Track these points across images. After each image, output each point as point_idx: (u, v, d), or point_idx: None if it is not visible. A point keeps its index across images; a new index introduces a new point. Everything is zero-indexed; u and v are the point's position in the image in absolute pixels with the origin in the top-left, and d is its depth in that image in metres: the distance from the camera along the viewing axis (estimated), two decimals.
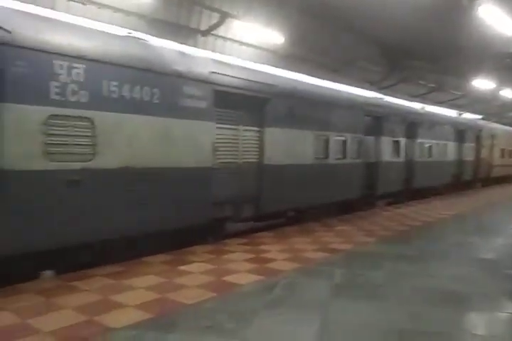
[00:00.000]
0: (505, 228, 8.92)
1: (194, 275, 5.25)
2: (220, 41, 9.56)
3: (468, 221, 10.66)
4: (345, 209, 10.99)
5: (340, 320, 4.05)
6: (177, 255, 6.19)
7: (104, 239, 5.54)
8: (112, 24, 7.96)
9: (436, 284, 5.19)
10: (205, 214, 6.91)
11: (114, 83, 5.54)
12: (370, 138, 11.86)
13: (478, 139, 18.70)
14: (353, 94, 11.93)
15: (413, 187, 13.88)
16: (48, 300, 4.30)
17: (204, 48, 9.74)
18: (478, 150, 18.68)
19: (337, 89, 11.54)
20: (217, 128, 7.21)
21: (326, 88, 11.01)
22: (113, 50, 5.70)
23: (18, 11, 5.29)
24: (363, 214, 10.76)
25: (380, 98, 13.47)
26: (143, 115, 5.91)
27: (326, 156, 9.96)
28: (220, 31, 9.48)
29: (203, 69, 6.92)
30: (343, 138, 10.50)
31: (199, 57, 7.41)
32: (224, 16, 8.78)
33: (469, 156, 17.96)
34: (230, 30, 9.57)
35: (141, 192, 5.88)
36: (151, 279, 5.05)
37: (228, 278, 5.14)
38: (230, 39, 9.77)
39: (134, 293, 4.59)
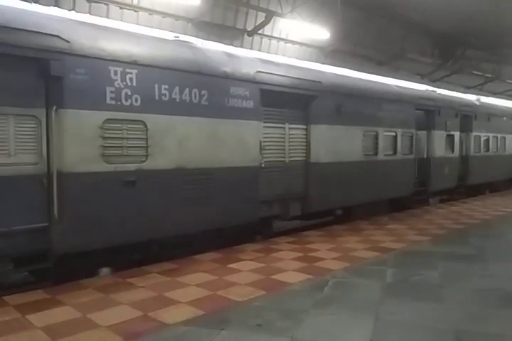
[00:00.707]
0: None
1: (243, 273, 5.34)
2: (265, 40, 9.58)
3: None
4: (397, 206, 10.69)
5: (393, 320, 3.98)
6: (226, 253, 6.32)
7: (160, 237, 5.76)
8: (162, 29, 8.21)
9: (496, 284, 4.98)
10: (253, 212, 7.00)
11: (165, 86, 5.73)
12: (422, 133, 11.44)
13: None
14: (402, 87, 11.57)
15: (468, 183, 13.25)
16: (106, 296, 4.55)
17: (250, 48, 9.81)
18: None
19: (385, 83, 11.24)
20: (264, 127, 7.26)
21: (374, 82, 10.75)
22: (162, 54, 5.89)
23: (75, 20, 5.61)
24: (415, 212, 10.42)
25: (433, 91, 12.95)
26: (192, 116, 6.08)
27: (376, 153, 9.74)
28: (266, 30, 9.50)
29: (249, 69, 6.98)
30: (393, 134, 10.22)
31: (245, 57, 7.49)
32: (269, 15, 8.79)
33: None
34: (276, 28, 9.56)
35: (193, 192, 6.04)
36: (203, 276, 5.20)
37: (277, 277, 5.19)
38: (275, 37, 9.77)
39: (187, 289, 4.75)
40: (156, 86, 5.64)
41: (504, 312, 4.14)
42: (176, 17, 8.80)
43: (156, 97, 5.65)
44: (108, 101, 5.16)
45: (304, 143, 8.14)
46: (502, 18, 10.19)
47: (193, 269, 5.48)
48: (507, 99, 18.97)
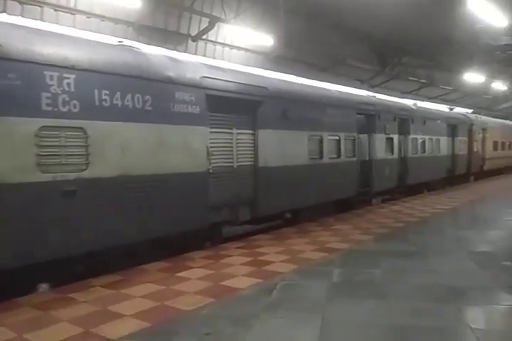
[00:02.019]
0: (499, 220, 8.98)
1: (192, 282, 5.26)
2: (210, 46, 9.57)
3: (464, 215, 10.74)
4: (342, 207, 11.04)
5: (339, 319, 4.08)
6: (175, 262, 6.19)
7: (104, 247, 5.54)
8: (101, 33, 7.95)
9: (436, 279, 5.23)
10: (202, 218, 6.93)
11: (106, 91, 5.55)
12: (364, 136, 11.92)
13: (470, 133, 18.82)
14: (344, 93, 12.00)
15: (408, 183, 13.96)
16: (45, 313, 4.29)
17: (195, 53, 9.75)
18: (470, 144, 18.81)
19: (328, 88, 11.60)
20: (211, 132, 7.24)
21: (318, 88, 11.07)
22: (102, 58, 5.71)
23: (6, 23, 5.29)
24: (359, 212, 10.81)
25: (373, 96, 13.55)
26: (136, 122, 5.92)
27: (321, 156, 10.01)
28: (210, 36, 9.49)
29: (194, 74, 6.94)
30: (336, 138, 10.56)
31: (190, 62, 7.44)
32: (213, 21, 8.80)
33: (462, 150, 18.07)
34: (220, 34, 9.58)
35: (138, 200, 5.89)
36: (149, 287, 5.06)
37: (226, 283, 5.16)
38: (220, 43, 9.78)
39: (132, 302, 4.59)
40: (96, 91, 5.44)
41: (445, 306, 4.35)
42: (116, 21, 8.56)
43: (97, 103, 5.44)
44: (43, 107, 4.90)
45: (252, 148, 8.20)
46: (435, 28, 10.87)
47: (140, 280, 5.32)
48: (441, 103, 20.29)
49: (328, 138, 10.22)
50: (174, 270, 5.75)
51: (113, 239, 5.57)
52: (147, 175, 6.03)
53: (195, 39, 9.10)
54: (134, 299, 4.68)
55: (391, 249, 6.81)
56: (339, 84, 13.21)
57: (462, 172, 18.44)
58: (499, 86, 16.11)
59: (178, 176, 6.49)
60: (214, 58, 9.54)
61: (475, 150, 19.21)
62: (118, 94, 5.68)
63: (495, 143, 21.57)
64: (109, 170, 5.57)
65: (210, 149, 7.14)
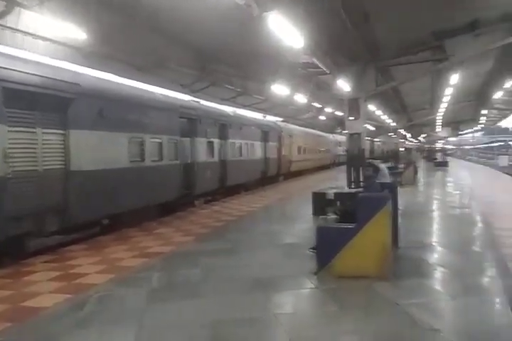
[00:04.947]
0: (301, 214, 10.27)
1: None
2: (8, 32, 8.27)
3: (273, 211, 11.98)
4: (166, 211, 11.00)
5: (156, 324, 4.02)
6: None
7: None
8: None
9: (248, 273, 5.64)
10: None
11: None
12: (186, 140, 12.15)
13: (279, 139, 21.22)
14: (167, 96, 12.01)
15: (227, 184, 14.82)
16: None
17: None
18: (280, 149, 21.20)
19: (151, 90, 11.43)
20: (9, 131, 6.29)
21: (139, 89, 10.79)
22: None
23: None
24: (182, 215, 10.95)
25: (197, 101, 13.94)
26: None
27: (142, 159, 9.77)
28: (9, 22, 8.21)
29: None
30: (159, 140, 10.47)
31: None
32: (11, 5, 7.64)
33: (273, 154, 20.21)
34: (22, 21, 8.39)
35: None
36: None
37: (29, 303, 4.54)
38: (21, 31, 8.55)
39: None
40: None
41: (253, 296, 4.73)
42: None
43: None
44: None
45: (63, 150, 7.45)
46: (246, 41, 11.76)
47: None
48: (255, 111, 22.23)
49: (150, 140, 10.05)
50: None
51: None
52: None
53: None
54: None
55: (210, 248, 7.08)
56: (162, 87, 13.15)
57: (274, 174, 20.61)
58: (301, 98, 18.54)
59: None
60: (13, 47, 8.29)
61: (283, 154, 21.72)
62: None
63: (299, 148, 24.81)
64: None
65: (8, 151, 6.19)
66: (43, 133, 7.01)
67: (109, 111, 8.49)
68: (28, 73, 6.68)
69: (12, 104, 6.31)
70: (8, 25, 8.38)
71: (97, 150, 8.13)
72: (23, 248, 6.76)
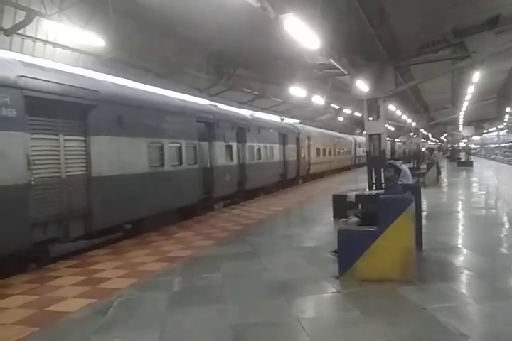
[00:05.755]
0: (322, 217, 10.17)
1: (11, 311, 4.55)
2: (28, 42, 8.46)
3: (293, 214, 11.90)
4: (185, 215, 11.05)
5: (178, 329, 4.02)
6: None
7: None
8: None
9: (269, 277, 5.59)
10: (22, 238, 6.06)
11: None
12: (205, 144, 12.20)
13: (297, 141, 21.10)
14: (184, 100, 12.10)
15: (246, 187, 14.81)
16: None
17: (9, 49, 8.52)
18: (298, 151, 21.06)
19: (168, 96, 11.53)
20: (32, 139, 6.43)
21: (157, 94, 10.90)
22: None
23: None
24: (202, 218, 10.98)
25: (214, 105, 14.01)
26: None
27: (162, 164, 9.85)
28: (28, 31, 8.41)
29: (8, 73, 6.07)
30: (177, 145, 10.54)
31: (1, 59, 6.47)
32: (31, 15, 7.83)
33: (292, 156, 20.10)
34: (41, 30, 8.58)
35: None
36: None
37: (54, 308, 4.61)
38: (40, 40, 8.73)
39: None
40: None
41: (274, 301, 4.68)
42: None
43: None
44: None
45: (84, 156, 7.58)
46: (265, 44, 11.75)
47: None
48: (273, 113, 22.20)
49: (169, 145, 10.13)
50: None
51: None
52: None
53: (8, 33, 7.95)
54: None
55: (230, 252, 7.06)
56: (179, 92, 13.27)
57: (293, 176, 20.48)
58: (318, 100, 18.40)
59: None
60: (33, 56, 8.48)
61: (302, 156, 21.58)
62: None
63: (318, 150, 24.62)
64: None
65: (32, 158, 6.32)
66: (65, 140, 7.15)
67: (128, 116, 8.59)
68: (48, 81, 6.81)
69: (34, 112, 6.45)
70: (27, 34, 8.57)
71: (117, 155, 8.23)
72: (47, 253, 6.89)
